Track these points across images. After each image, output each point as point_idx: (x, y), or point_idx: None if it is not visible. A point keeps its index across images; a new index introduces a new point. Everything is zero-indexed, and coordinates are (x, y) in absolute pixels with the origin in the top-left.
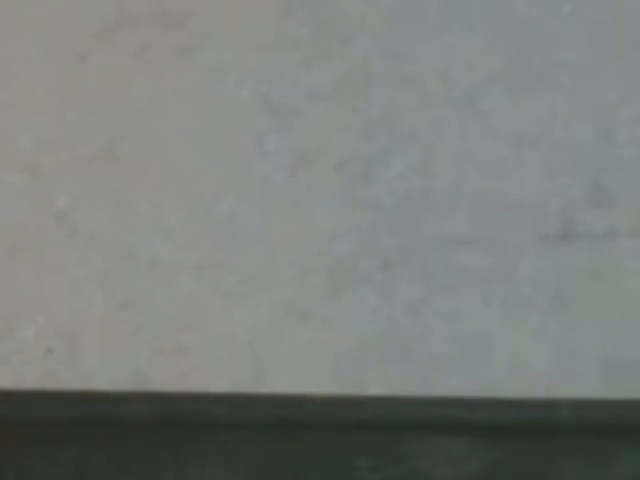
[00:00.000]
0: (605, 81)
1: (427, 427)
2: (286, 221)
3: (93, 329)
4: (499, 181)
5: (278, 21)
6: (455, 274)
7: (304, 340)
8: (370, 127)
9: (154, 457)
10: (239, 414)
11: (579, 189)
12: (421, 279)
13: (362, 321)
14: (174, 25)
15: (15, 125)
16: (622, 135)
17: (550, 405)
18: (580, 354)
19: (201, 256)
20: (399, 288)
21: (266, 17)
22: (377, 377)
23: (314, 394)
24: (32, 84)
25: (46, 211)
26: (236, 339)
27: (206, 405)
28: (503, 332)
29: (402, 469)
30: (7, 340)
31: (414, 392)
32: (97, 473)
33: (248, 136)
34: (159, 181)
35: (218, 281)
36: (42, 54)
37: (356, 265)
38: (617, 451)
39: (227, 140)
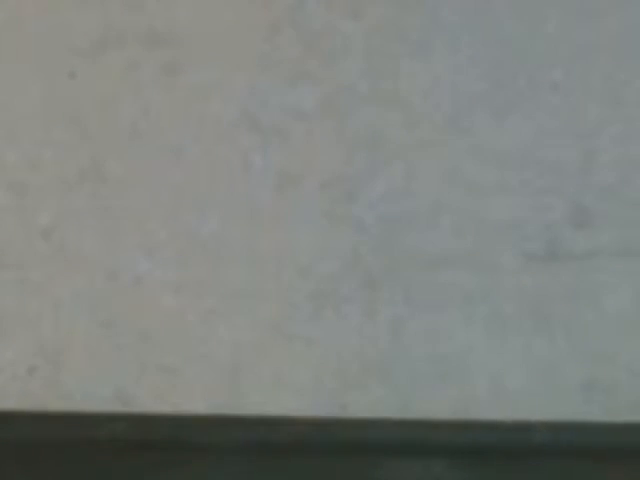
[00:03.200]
0: (589, 102)
1: (406, 449)
2: (270, 240)
3: (76, 347)
4: (482, 200)
5: (264, 40)
6: (438, 293)
7: (286, 360)
8: (354, 147)
9: (135, 478)
10: (219, 436)
11: (562, 209)
12: (404, 298)
13: (344, 340)
14: (161, 44)
15: (1, 141)
16: (605, 156)
17: (529, 428)
18: (561, 375)
19: (185, 275)
20: (382, 307)
21: (252, 36)
22: (357, 398)
23: (294, 416)
24: (19, 101)
25: (31, 228)
26: (218, 358)
27: (186, 427)
28: (484, 352)
29: None
30: None
31: (394, 413)
32: None
33: (233, 155)
34: (144, 199)
35: (201, 300)
36: (29, 71)
37: (339, 284)
38: (596, 474)
39: (212, 158)
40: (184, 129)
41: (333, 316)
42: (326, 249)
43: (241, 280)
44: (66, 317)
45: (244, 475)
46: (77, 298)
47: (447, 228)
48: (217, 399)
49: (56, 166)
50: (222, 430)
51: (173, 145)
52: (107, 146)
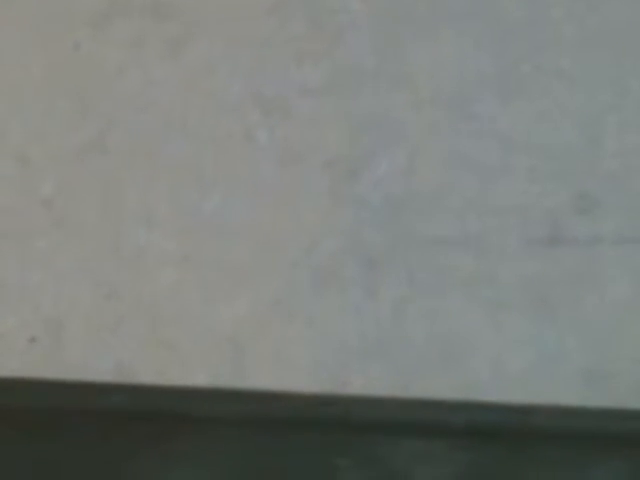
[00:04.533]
0: (595, 87)
1: (406, 428)
2: (273, 217)
3: (77, 319)
4: (486, 184)
5: (271, 16)
6: (440, 275)
7: (286, 337)
8: (359, 126)
9: (134, 449)
10: (219, 409)
11: (565, 195)
12: (406, 279)
13: (345, 319)
14: (167, 17)
15: (4, 112)
16: (610, 142)
17: (529, 411)
18: (562, 360)
19: (187, 249)
20: (383, 287)
21: (259, 12)
22: (358, 377)
23: (294, 392)
24: (23, 72)
25: (33, 199)
26: (219, 334)
27: (186, 400)
28: (485, 335)
29: (380, 470)
30: None
31: (394, 393)
32: (77, 464)
33: (237, 131)
34: (147, 173)
35: (203, 275)
36: (34, 42)
37: (341, 263)
38: (594, 460)
39: (216, 134)
40: (188, 104)
41: (334, 294)
42: (329, 228)
43: (243, 256)
44: (67, 288)
45: (243, 449)
46: (78, 269)
47: (451, 210)
48: (217, 374)
49: (59, 137)
50: (222, 404)
51: (177, 119)
52: (111, 118)
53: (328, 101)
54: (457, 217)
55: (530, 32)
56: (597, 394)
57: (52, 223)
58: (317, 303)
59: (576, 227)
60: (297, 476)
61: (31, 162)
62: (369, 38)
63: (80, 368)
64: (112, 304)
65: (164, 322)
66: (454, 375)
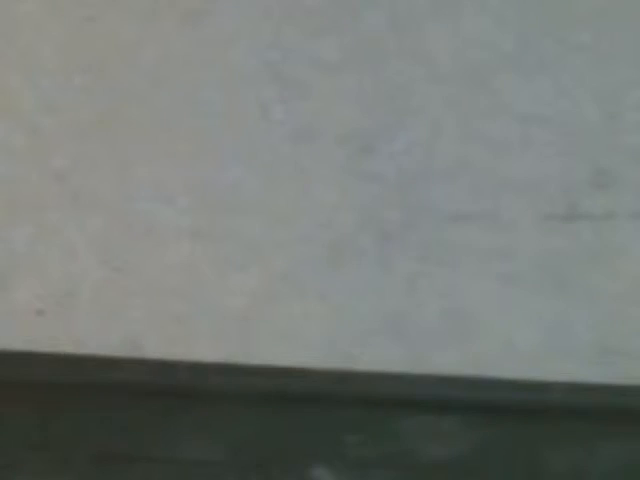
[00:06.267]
0: (614, 64)
1: (417, 405)
2: (287, 191)
3: (87, 292)
4: (503, 159)
5: None
6: (454, 250)
7: (299, 312)
8: (376, 100)
9: (142, 423)
10: (229, 385)
11: (582, 170)
12: (420, 254)
13: (358, 295)
14: None
15: (19, 84)
16: (628, 119)
17: (542, 387)
18: (576, 336)
19: (200, 223)
20: (397, 262)
21: None
22: (370, 352)
23: (305, 367)
24: (38, 44)
25: (46, 172)
26: (230, 309)
27: (196, 374)
28: (499, 311)
29: (391, 446)
30: None
31: (406, 368)
32: (85, 437)
33: (253, 104)
34: (161, 146)
35: (215, 249)
36: (49, 14)
37: (355, 238)
38: (606, 435)
39: (232, 108)
40: (204, 77)
41: (348, 270)
42: (343, 202)
43: (256, 231)
44: (77, 261)
45: (252, 425)
46: (90, 243)
47: (466, 185)
48: (228, 349)
49: (73, 110)
50: (233, 379)
51: (193, 93)
52: (125, 92)
53: (345, 76)
54: (473, 192)
55: (550, 7)
56: (611, 370)
57: (64, 196)
58: (330, 278)
59: (593, 202)
60: (308, 452)
61: (44, 134)
62: (388, 12)
63: (89, 341)
64: (122, 278)
65: (175, 296)
66: (467, 351)
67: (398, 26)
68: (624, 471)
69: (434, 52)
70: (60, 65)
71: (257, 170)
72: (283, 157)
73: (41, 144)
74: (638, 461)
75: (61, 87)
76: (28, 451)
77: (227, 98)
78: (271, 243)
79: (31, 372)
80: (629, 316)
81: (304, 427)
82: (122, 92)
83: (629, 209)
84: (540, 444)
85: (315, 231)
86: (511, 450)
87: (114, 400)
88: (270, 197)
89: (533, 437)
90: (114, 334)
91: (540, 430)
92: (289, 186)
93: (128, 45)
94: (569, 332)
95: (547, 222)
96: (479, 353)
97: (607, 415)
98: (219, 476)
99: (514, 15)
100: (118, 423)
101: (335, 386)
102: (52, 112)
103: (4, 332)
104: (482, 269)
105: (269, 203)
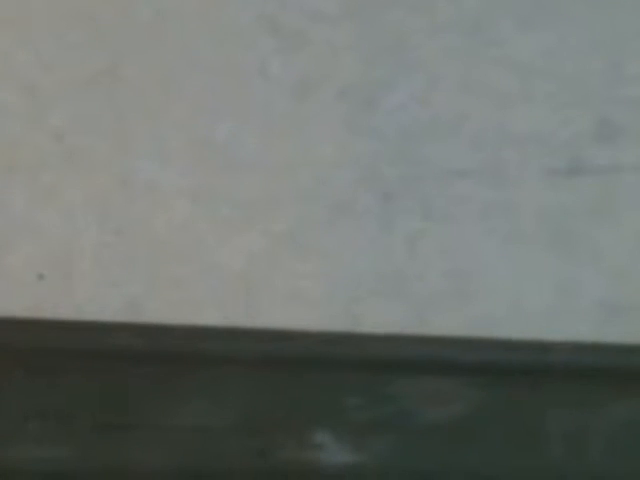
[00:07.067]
0: (617, 13)
1: (418, 366)
2: (286, 148)
3: (86, 255)
4: (505, 112)
5: None
6: (456, 207)
7: (299, 272)
8: (376, 53)
9: (145, 389)
10: (230, 348)
11: (586, 122)
12: (421, 211)
13: (359, 253)
14: None
15: (13, 41)
16: (632, 69)
17: (545, 348)
18: (581, 294)
19: (198, 183)
20: (398, 220)
21: None
22: (371, 313)
23: (306, 330)
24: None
25: (42, 132)
26: (230, 269)
27: (197, 339)
28: (502, 269)
29: (391, 408)
30: None
31: (408, 329)
32: (86, 403)
33: (250, 59)
34: (159, 104)
35: (215, 209)
36: None
37: (355, 196)
38: (613, 397)
39: (228, 63)
40: (200, 32)
41: (349, 228)
42: (343, 159)
43: (256, 189)
44: (76, 224)
45: (255, 388)
46: (88, 204)
47: (468, 140)
48: (229, 311)
49: (69, 67)
50: (234, 342)
51: (189, 49)
52: (121, 49)
53: (343, 28)
54: (474, 147)
55: None
56: (616, 328)
57: (61, 156)
58: (331, 237)
59: (597, 155)
60: (309, 414)
61: (40, 93)
62: None
63: (89, 305)
64: (122, 240)
65: (174, 258)
66: (470, 311)
67: None
68: (628, 432)
69: (433, 2)
70: (55, 21)
71: (255, 126)
72: (282, 112)
73: (36, 103)
74: None
75: (56, 44)
76: (28, 419)
77: (223, 52)
78: (270, 202)
79: (31, 338)
80: (635, 272)
81: (305, 389)
82: (117, 50)
83: (634, 161)
84: (542, 406)
85: (314, 189)
86: (515, 412)
87: (113, 365)
88: (268, 155)
89: (537, 398)
90: (114, 297)
91: (544, 391)
92: (287, 143)
93: (122, 1)
94: (575, 290)
95: (550, 176)
96: (482, 313)
97: (612, 375)
98: (220, 442)
99: None
100: (118, 389)
101: (335, 348)
102: (46, 70)
103: (2, 298)
104: (484, 226)
105: (267, 161)
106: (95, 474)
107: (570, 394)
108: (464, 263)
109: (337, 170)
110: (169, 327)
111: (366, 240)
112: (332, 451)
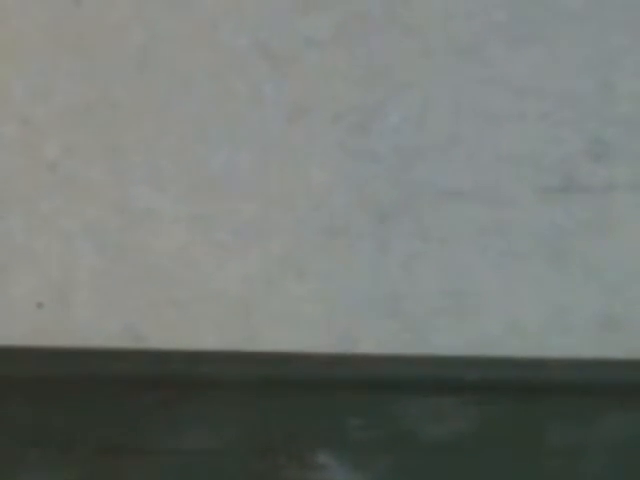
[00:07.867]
0: (608, 32)
1: (418, 386)
2: (281, 172)
3: (84, 282)
4: (498, 132)
5: None
6: (452, 227)
7: (297, 295)
8: (368, 77)
9: (145, 415)
10: (230, 372)
11: (579, 141)
12: (417, 232)
13: (356, 275)
14: None
15: (7, 71)
16: (623, 88)
17: (543, 364)
18: (576, 312)
19: (195, 208)
20: (395, 242)
21: None
22: (369, 334)
23: (304, 352)
24: (25, 28)
25: (38, 161)
26: (229, 294)
27: (197, 363)
28: (498, 288)
29: (393, 428)
30: None
31: (406, 349)
32: (86, 431)
33: (244, 85)
34: (153, 131)
35: (212, 234)
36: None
37: (351, 218)
38: (608, 412)
39: (222, 89)
40: (194, 58)
41: (345, 250)
42: (339, 182)
43: (252, 214)
44: (74, 251)
45: (255, 411)
46: (85, 232)
47: (462, 160)
48: (227, 335)
49: (63, 97)
50: (234, 366)
51: (182, 75)
52: (116, 76)
53: (336, 52)
54: (469, 167)
55: None
56: (612, 345)
57: (57, 185)
58: (327, 260)
59: (590, 174)
60: (309, 437)
61: (35, 122)
62: None
63: (89, 332)
64: (120, 266)
65: (173, 283)
66: (467, 330)
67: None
68: (626, 447)
69: (424, 24)
70: (48, 49)
71: (250, 151)
72: (276, 137)
73: (31, 132)
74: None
75: (50, 73)
76: (29, 446)
77: (217, 78)
78: (267, 225)
79: (31, 367)
80: (630, 289)
81: (304, 412)
82: (110, 77)
83: (627, 179)
84: (541, 422)
85: (310, 212)
86: (511, 429)
87: (114, 392)
88: (264, 179)
89: (535, 415)
90: (113, 323)
91: (541, 407)
92: (283, 166)
93: (115, 28)
94: (570, 307)
95: (545, 195)
96: (479, 332)
97: (609, 391)
98: (222, 465)
99: None
100: (119, 415)
101: (334, 370)
102: (40, 100)
103: (3, 327)
104: (480, 246)
105: (263, 185)
106: None
107: (568, 409)
108: (460, 283)
109: (332, 193)
110: (168, 352)
111: (363, 262)
112: (334, 471)
